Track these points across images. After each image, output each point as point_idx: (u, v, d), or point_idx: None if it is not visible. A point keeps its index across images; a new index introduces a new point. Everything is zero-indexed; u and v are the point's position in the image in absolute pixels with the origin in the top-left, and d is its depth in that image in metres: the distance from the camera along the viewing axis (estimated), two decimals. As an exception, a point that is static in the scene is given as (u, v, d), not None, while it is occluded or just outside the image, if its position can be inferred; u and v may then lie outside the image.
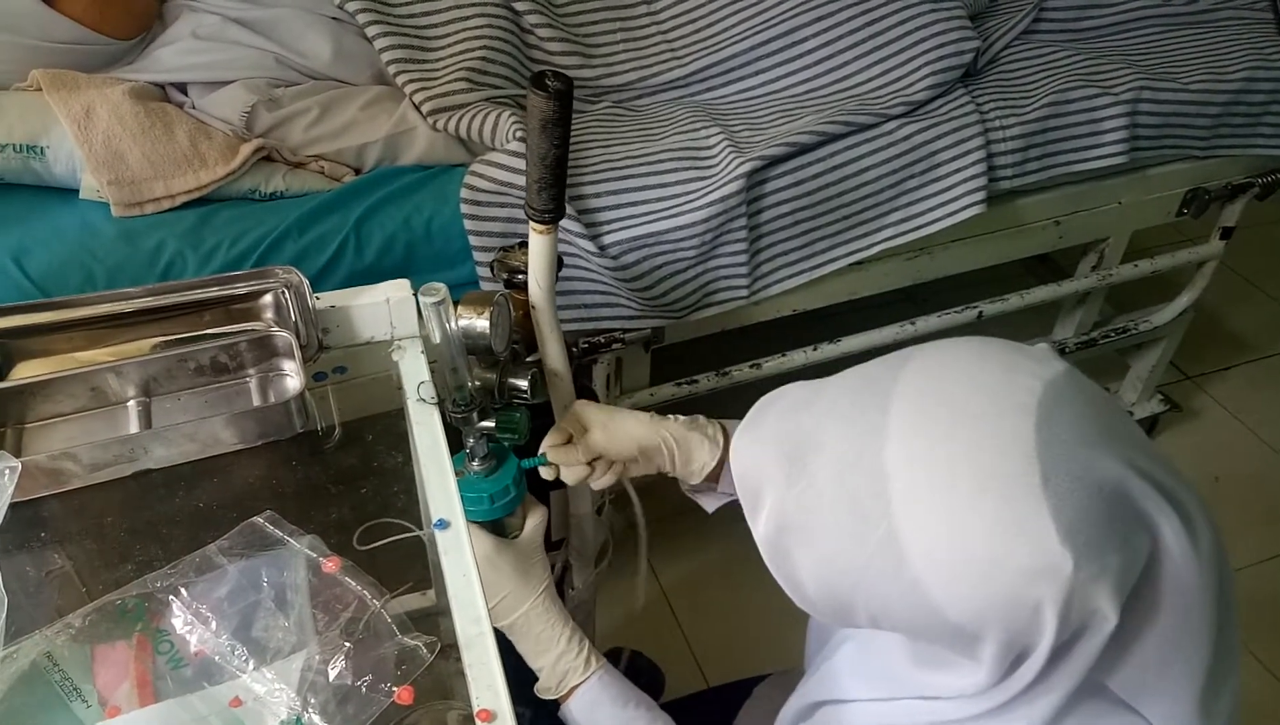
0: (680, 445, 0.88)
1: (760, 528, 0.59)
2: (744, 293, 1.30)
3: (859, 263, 1.37)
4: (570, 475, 0.88)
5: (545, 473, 0.89)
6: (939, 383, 0.54)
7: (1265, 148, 1.56)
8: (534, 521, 0.88)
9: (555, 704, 0.85)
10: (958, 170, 1.34)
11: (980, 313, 1.60)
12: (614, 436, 0.87)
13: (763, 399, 0.63)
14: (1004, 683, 0.55)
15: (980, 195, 1.35)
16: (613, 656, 1.58)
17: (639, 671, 1.57)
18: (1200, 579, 0.53)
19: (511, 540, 0.87)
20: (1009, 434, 0.50)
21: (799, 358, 1.51)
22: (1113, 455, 0.51)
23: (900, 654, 0.65)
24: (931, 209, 1.36)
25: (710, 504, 0.94)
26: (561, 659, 0.83)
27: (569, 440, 0.88)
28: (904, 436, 0.52)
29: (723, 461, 0.88)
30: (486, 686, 0.58)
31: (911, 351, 0.58)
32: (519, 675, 0.86)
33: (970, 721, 0.58)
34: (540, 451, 0.88)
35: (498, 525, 0.90)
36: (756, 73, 1.40)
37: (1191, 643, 0.55)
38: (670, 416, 0.89)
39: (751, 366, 1.49)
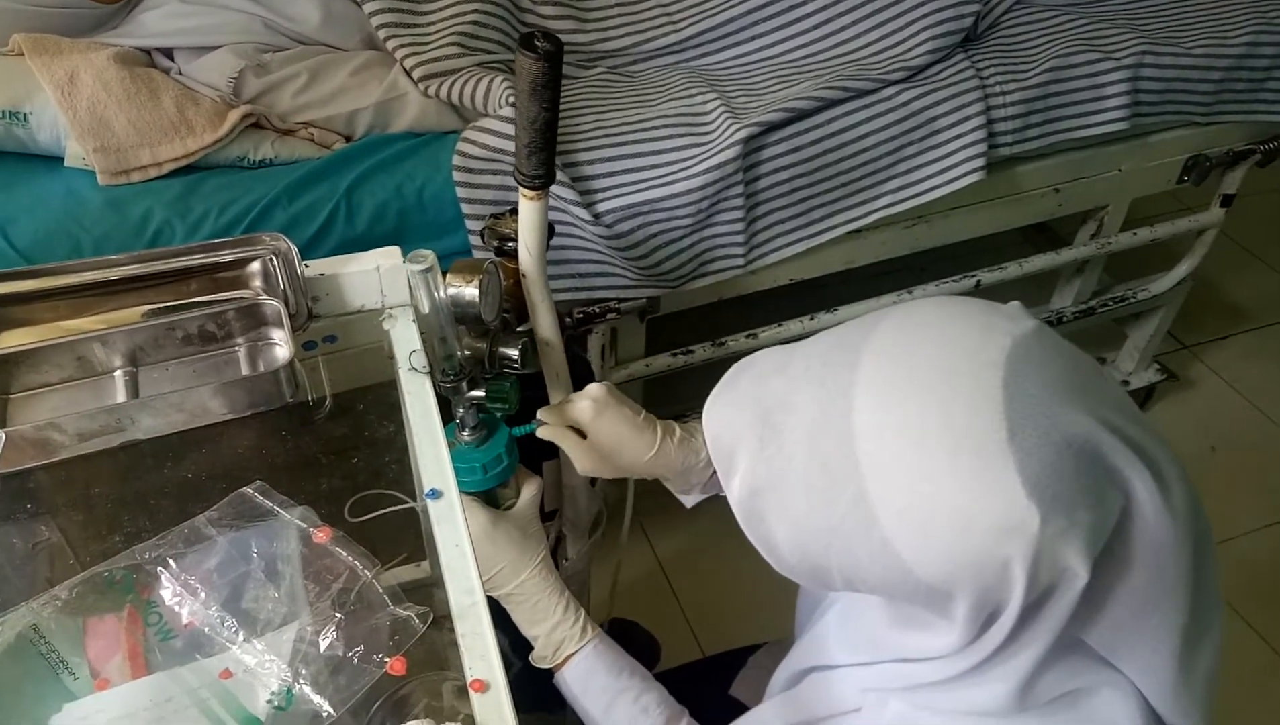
0: (676, 472, 0.88)
1: (735, 492, 0.59)
2: (740, 261, 1.29)
3: (857, 231, 1.36)
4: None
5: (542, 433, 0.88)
6: (908, 341, 0.53)
7: (1267, 114, 1.54)
8: (529, 492, 0.88)
9: (549, 672, 0.85)
10: (957, 136, 1.32)
11: (978, 281, 1.59)
12: (616, 458, 0.86)
13: (737, 364, 0.63)
14: (978, 642, 0.55)
15: (980, 162, 1.33)
16: (607, 626, 1.59)
17: (634, 641, 1.57)
18: (1174, 535, 0.53)
19: (507, 511, 0.87)
20: (977, 390, 0.50)
21: (795, 327, 1.50)
22: (1083, 411, 0.50)
23: (879, 617, 0.65)
24: (930, 176, 1.34)
25: (689, 501, 0.94)
26: (557, 628, 0.83)
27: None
28: (872, 396, 0.52)
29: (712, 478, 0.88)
30: (480, 657, 0.57)
31: (886, 311, 0.57)
32: (517, 637, 0.86)
33: (948, 683, 0.58)
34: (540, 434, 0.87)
35: (491, 495, 0.90)
36: (753, 38, 1.38)
37: (1167, 599, 0.54)
38: (676, 432, 0.87)
39: (748, 336, 1.48)
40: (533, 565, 0.84)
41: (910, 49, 1.32)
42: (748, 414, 0.58)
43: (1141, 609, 0.54)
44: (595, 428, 0.86)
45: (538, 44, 0.71)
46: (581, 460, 0.86)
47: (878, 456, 0.51)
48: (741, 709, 0.99)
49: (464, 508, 0.65)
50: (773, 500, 0.57)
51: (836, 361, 0.55)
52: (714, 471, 0.86)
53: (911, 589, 0.53)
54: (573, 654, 0.83)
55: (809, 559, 0.57)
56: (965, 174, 1.34)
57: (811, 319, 1.50)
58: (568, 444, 0.86)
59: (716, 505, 1.82)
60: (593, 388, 0.88)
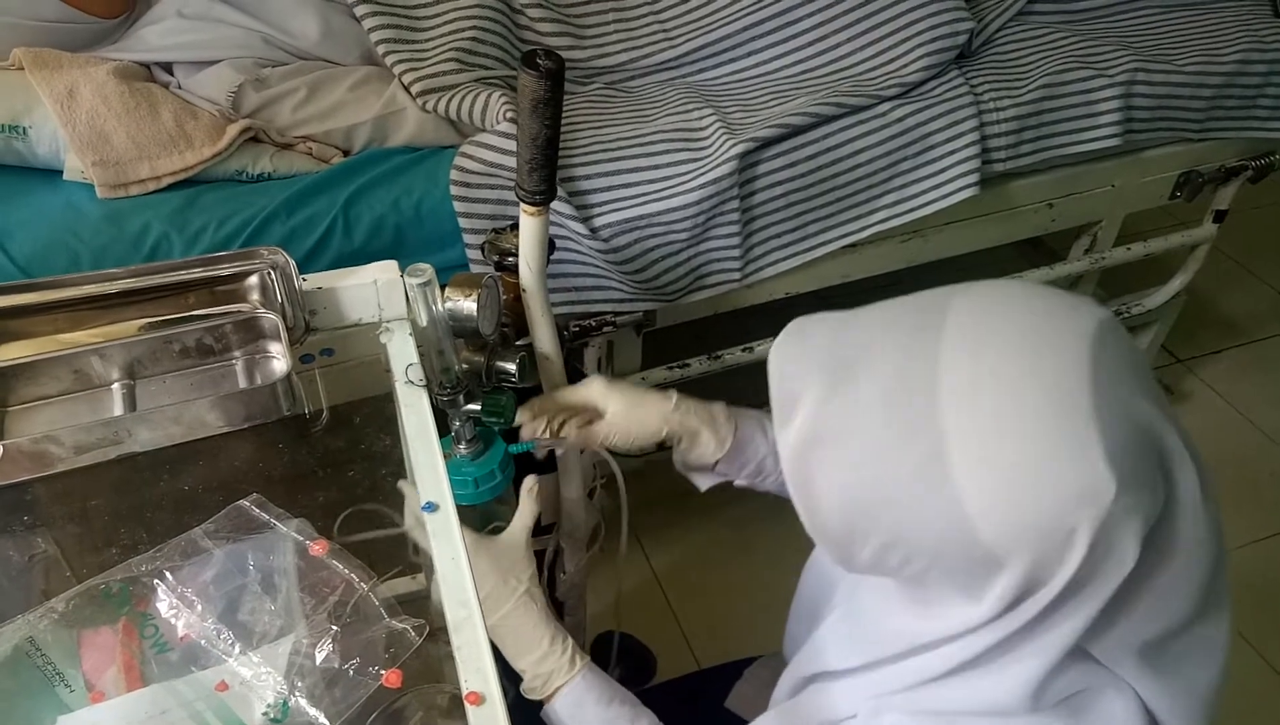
0: (688, 437, 0.88)
1: (790, 438, 0.57)
2: (736, 276, 1.30)
3: (852, 245, 1.36)
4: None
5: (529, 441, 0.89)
6: (996, 308, 0.54)
7: (1259, 130, 1.55)
8: (520, 521, 0.86)
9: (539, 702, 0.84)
10: (951, 152, 1.33)
11: (973, 296, 1.59)
12: (630, 428, 0.87)
13: (801, 318, 0.61)
14: (1005, 617, 0.54)
15: (974, 177, 1.34)
16: (604, 639, 1.59)
17: (631, 654, 1.57)
18: (1206, 535, 0.53)
19: (492, 537, 0.86)
20: (1066, 356, 0.50)
21: (791, 341, 1.50)
22: (1151, 401, 0.52)
23: (889, 607, 0.64)
24: (925, 191, 1.35)
25: (704, 483, 0.93)
26: (545, 660, 0.81)
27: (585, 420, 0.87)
28: (960, 354, 0.52)
29: (727, 455, 0.88)
30: (475, 669, 0.57)
31: (956, 287, 0.57)
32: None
33: (960, 671, 0.58)
34: (546, 427, 0.87)
35: (486, 510, 0.90)
36: (749, 54, 1.39)
37: (1186, 602, 0.55)
38: (689, 402, 0.88)
39: (744, 350, 1.49)
40: (515, 596, 0.82)
41: (905, 65, 1.33)
42: (818, 361, 0.57)
43: (1159, 612, 0.55)
44: (612, 396, 0.87)
45: (540, 62, 0.72)
46: (602, 430, 0.86)
47: (962, 413, 0.51)
48: (738, 722, 0.99)
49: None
50: (831, 451, 0.55)
51: (918, 322, 0.55)
52: (730, 442, 0.88)
53: (963, 553, 0.53)
54: (562, 685, 0.82)
55: (854, 515, 0.56)
56: (960, 189, 1.35)
57: (807, 333, 1.51)
58: (581, 427, 0.87)
59: (711, 518, 1.82)
60: (591, 376, 0.90)
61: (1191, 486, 0.52)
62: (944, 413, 0.51)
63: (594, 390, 0.89)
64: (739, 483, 0.93)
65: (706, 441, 0.88)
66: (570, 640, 0.83)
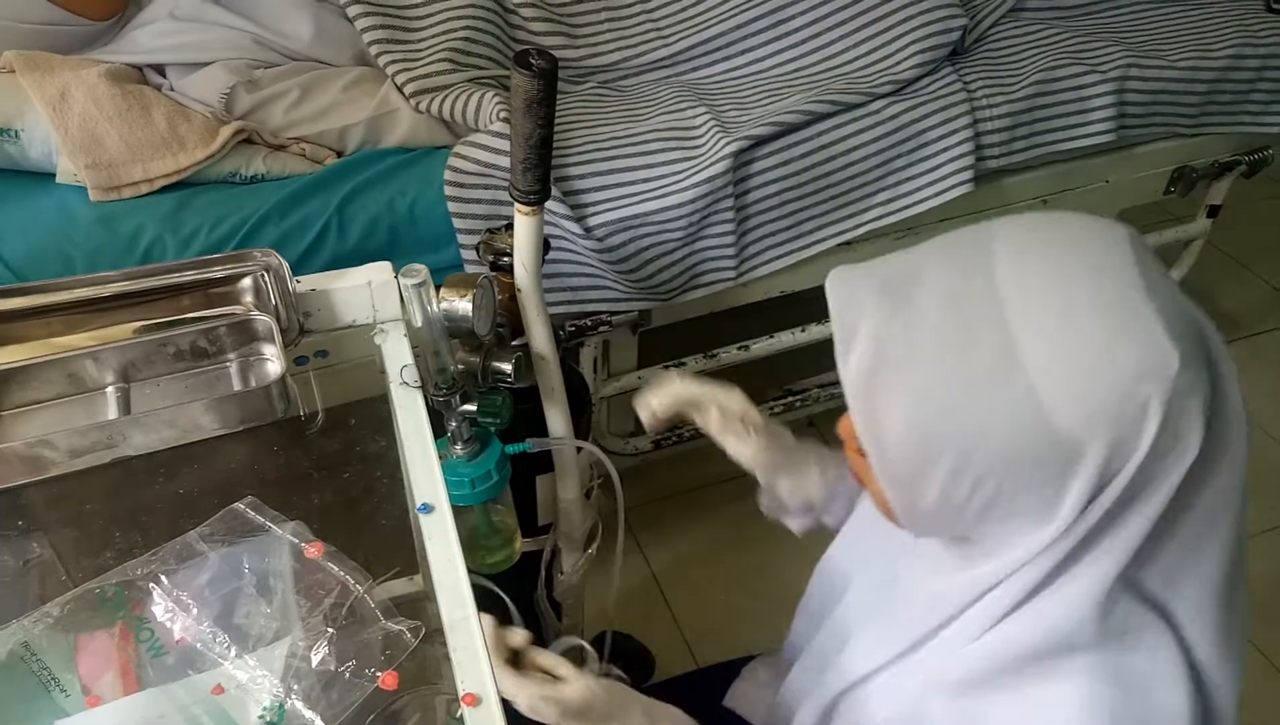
0: (788, 468, 0.88)
1: (852, 363, 0.57)
2: (731, 274, 1.30)
3: (847, 243, 1.37)
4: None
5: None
6: (1036, 222, 0.57)
7: (1252, 125, 1.56)
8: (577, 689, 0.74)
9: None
10: (945, 149, 1.33)
11: (968, 293, 1.59)
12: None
13: (836, 268, 0.62)
14: (1078, 522, 0.55)
15: (968, 174, 1.34)
16: (602, 639, 1.59)
17: (629, 654, 1.57)
18: (1241, 441, 0.55)
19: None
20: (1112, 252, 0.54)
21: (787, 339, 1.50)
22: (1185, 301, 0.55)
23: (936, 574, 0.64)
24: (919, 188, 1.35)
25: (799, 525, 0.93)
26: None
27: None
28: (1012, 256, 0.54)
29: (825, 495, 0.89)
30: (472, 671, 0.57)
31: (992, 220, 0.59)
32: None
33: (1029, 601, 0.58)
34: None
35: (483, 511, 0.90)
36: (743, 52, 1.39)
37: (1223, 527, 0.56)
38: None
39: (740, 348, 1.49)
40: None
41: (898, 62, 1.33)
42: (872, 289, 0.57)
43: (1202, 532, 0.56)
44: (751, 418, 0.87)
45: (533, 62, 0.71)
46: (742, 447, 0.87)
47: (1023, 301, 0.53)
48: (736, 720, 0.99)
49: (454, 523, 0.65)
50: (895, 370, 0.55)
51: (965, 242, 0.57)
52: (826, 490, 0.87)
53: (1038, 455, 0.53)
54: None
55: (923, 439, 0.55)
56: (953, 186, 1.35)
57: (803, 331, 1.51)
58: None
59: (709, 518, 1.82)
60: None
61: (1233, 379, 0.54)
62: (1005, 311, 0.53)
63: (734, 400, 0.88)
64: (825, 520, 0.93)
65: (812, 474, 0.88)
66: None
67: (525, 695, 0.70)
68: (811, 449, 0.89)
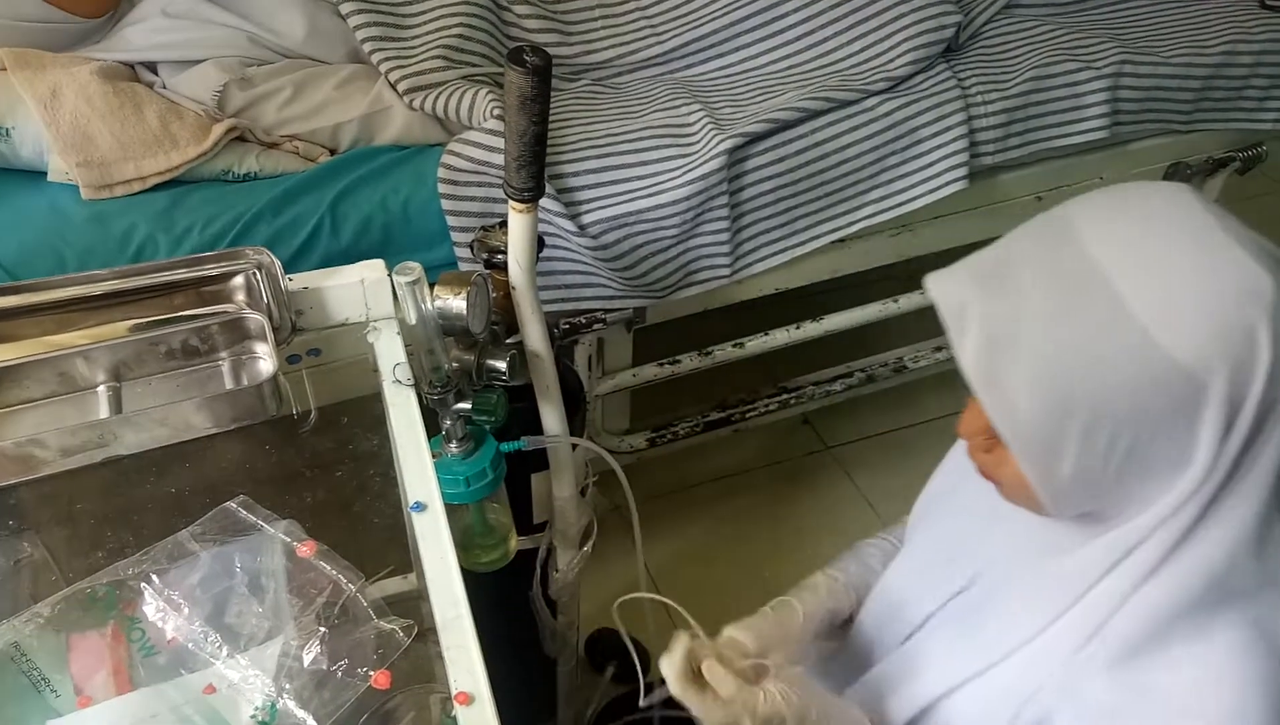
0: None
1: (969, 349, 0.59)
2: (726, 271, 1.29)
3: (841, 240, 1.36)
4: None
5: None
6: (1102, 191, 0.60)
7: (1246, 121, 1.56)
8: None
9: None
10: (939, 146, 1.33)
11: (963, 290, 1.59)
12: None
13: (929, 274, 0.64)
14: (1220, 455, 0.56)
15: (962, 171, 1.34)
16: (598, 637, 1.59)
17: (624, 651, 1.57)
18: None
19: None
20: (1179, 201, 0.58)
21: (782, 336, 1.50)
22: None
23: (1065, 553, 0.65)
24: (913, 185, 1.35)
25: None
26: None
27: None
28: (1095, 226, 0.57)
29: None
30: (464, 669, 0.57)
31: (1058, 206, 0.62)
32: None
33: (1184, 544, 0.59)
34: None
35: (478, 509, 0.90)
36: (737, 49, 1.39)
37: None
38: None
39: (734, 346, 1.48)
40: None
41: (892, 59, 1.33)
42: (970, 277, 0.60)
43: None
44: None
45: (526, 59, 0.71)
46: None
47: (1116, 255, 0.56)
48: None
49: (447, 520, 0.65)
50: (1013, 344, 0.57)
51: (1042, 223, 0.60)
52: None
53: (1166, 394, 0.55)
54: None
55: (1051, 403, 0.57)
56: (948, 183, 1.35)
57: (798, 328, 1.51)
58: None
59: (703, 515, 1.81)
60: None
61: None
62: (1103, 270, 0.56)
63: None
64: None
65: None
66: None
67: (721, 715, 0.71)
68: (796, 613, 0.86)
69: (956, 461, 0.84)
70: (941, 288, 0.61)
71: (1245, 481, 0.57)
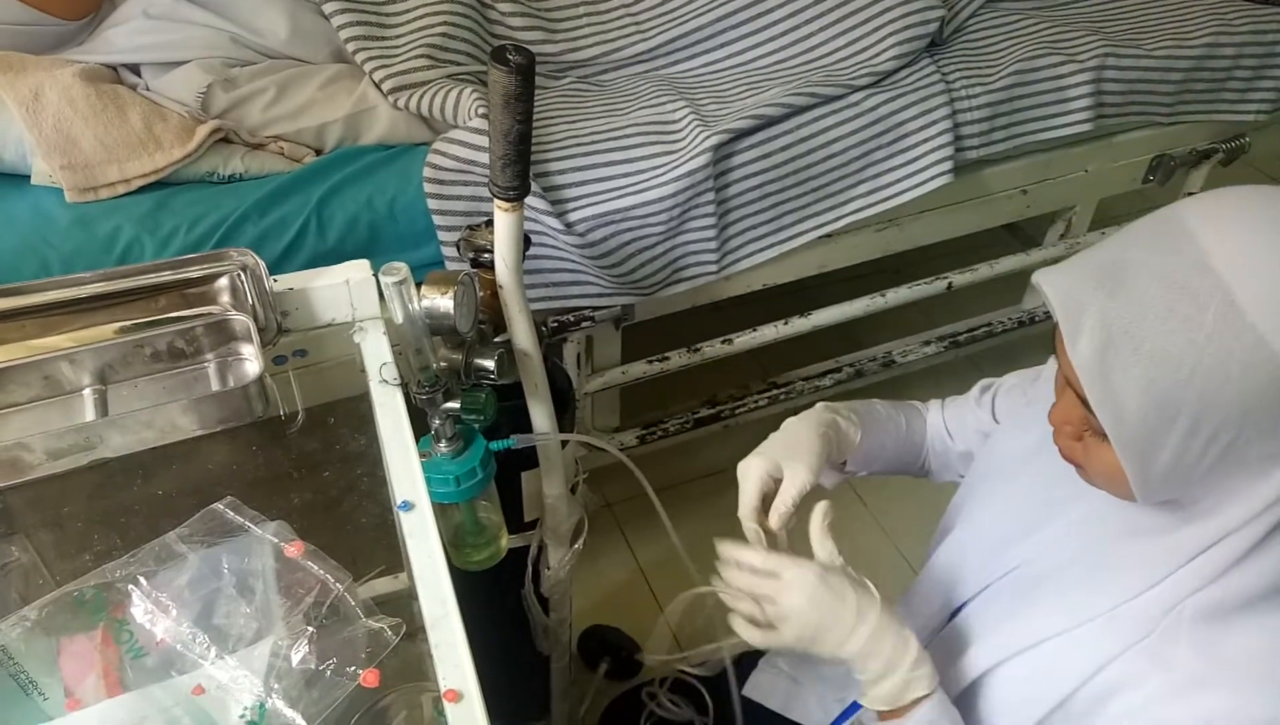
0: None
1: (1083, 347, 0.60)
2: (713, 268, 1.30)
3: (828, 235, 1.37)
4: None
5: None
6: (1217, 197, 0.61)
7: (1228, 112, 1.57)
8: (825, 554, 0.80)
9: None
10: (925, 141, 1.34)
11: (950, 283, 1.60)
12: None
13: (1035, 273, 0.66)
14: None
15: (947, 165, 1.35)
16: (591, 633, 1.59)
17: (617, 647, 1.57)
18: None
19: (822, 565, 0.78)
20: None
21: (770, 332, 1.51)
22: None
23: (1159, 535, 0.67)
24: (899, 180, 1.35)
25: (831, 481, 0.97)
26: (918, 664, 0.73)
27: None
28: (1213, 230, 0.58)
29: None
30: (453, 667, 0.57)
31: (1170, 206, 0.63)
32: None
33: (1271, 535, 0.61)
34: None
35: (469, 508, 0.90)
36: (722, 45, 1.39)
37: None
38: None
39: (723, 342, 1.49)
40: (879, 601, 0.75)
41: (877, 54, 1.34)
42: (1087, 277, 0.61)
43: None
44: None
45: (510, 57, 0.71)
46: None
47: (1235, 261, 0.56)
48: (755, 709, 0.99)
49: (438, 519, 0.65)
50: (1126, 347, 0.59)
51: (1156, 226, 0.61)
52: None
53: (1276, 396, 0.56)
54: (923, 698, 0.73)
55: (1160, 402, 0.58)
56: (933, 177, 1.35)
57: (786, 323, 1.51)
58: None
59: (695, 512, 1.83)
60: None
61: None
62: (1218, 271, 0.56)
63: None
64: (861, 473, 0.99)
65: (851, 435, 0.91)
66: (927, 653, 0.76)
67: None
68: (823, 441, 0.90)
69: (1005, 445, 0.87)
70: (1057, 286, 0.62)
71: None
